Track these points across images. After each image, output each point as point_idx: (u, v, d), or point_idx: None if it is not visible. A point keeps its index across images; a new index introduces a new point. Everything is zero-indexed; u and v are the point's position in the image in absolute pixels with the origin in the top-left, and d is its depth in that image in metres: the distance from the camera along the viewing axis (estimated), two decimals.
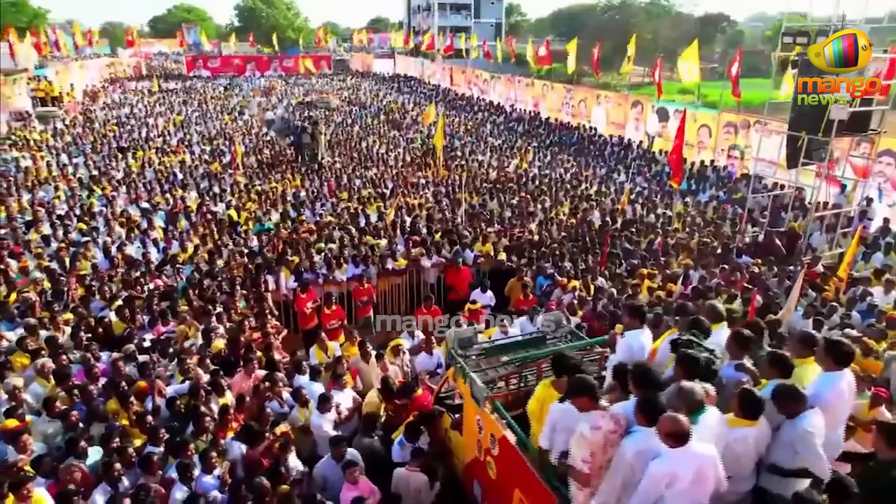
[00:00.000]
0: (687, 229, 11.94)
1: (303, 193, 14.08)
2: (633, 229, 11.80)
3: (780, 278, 9.43)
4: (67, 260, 9.67)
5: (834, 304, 8.61)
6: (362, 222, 12.04)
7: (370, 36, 57.78)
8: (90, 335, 7.36)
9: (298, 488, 5.17)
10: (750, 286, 9.11)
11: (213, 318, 7.77)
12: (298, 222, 11.74)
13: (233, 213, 12.37)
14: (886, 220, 11.99)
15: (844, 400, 3.56)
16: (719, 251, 10.52)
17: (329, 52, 54.25)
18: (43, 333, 7.28)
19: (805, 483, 3.36)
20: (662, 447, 3.02)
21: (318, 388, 6.52)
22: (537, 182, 15.50)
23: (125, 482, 5.11)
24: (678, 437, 2.97)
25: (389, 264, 10.26)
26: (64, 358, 6.76)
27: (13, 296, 8.35)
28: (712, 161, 17.45)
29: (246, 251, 10.29)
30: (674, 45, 40.45)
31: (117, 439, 5.42)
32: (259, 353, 7.14)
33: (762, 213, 12.24)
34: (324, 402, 5.96)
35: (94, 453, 5.42)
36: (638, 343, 3.93)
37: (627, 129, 22.13)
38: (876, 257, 10.60)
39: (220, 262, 9.66)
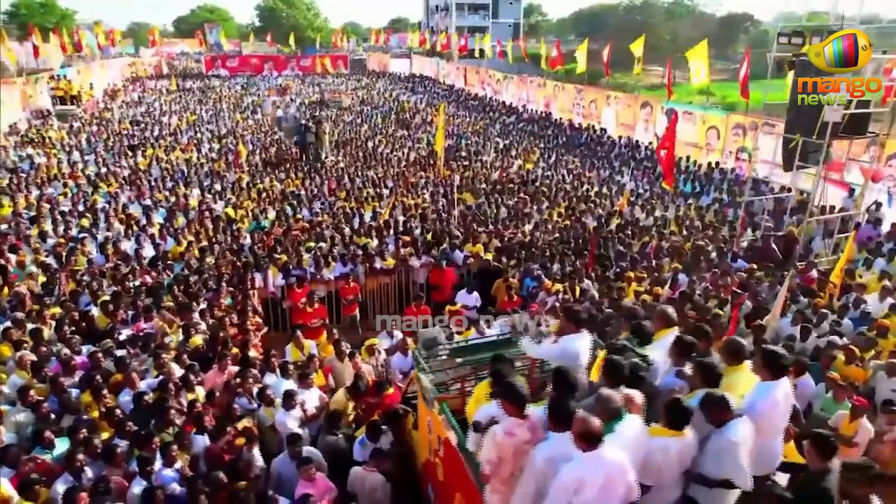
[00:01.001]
0: (684, 232, 11.77)
1: (302, 192, 14.19)
2: (629, 232, 11.67)
3: (772, 283, 9.23)
4: (64, 255, 9.91)
5: (825, 311, 8.42)
6: (357, 222, 12.08)
7: (387, 36, 57.95)
8: (74, 329, 7.52)
9: (256, 485, 5.23)
10: (739, 291, 8.96)
11: (195, 315, 7.88)
12: (294, 221, 11.84)
13: (230, 210, 12.53)
14: (894, 226, 11.68)
15: (780, 410, 3.48)
16: (712, 255, 10.35)
17: (346, 51, 54.56)
18: (29, 326, 7.47)
19: (733, 494, 3.30)
20: (575, 453, 2.98)
21: (287, 385, 6.56)
22: (538, 183, 15.41)
23: (89, 473, 5.22)
24: (589, 439, 2.93)
25: (378, 263, 10.30)
26: (44, 350, 6.94)
27: (6, 290, 8.58)
28: (717, 163, 17.15)
29: (236, 248, 10.41)
30: (694, 45, 39.89)
31: (84, 431, 5.54)
32: (235, 350, 7.24)
33: (765, 216, 12.00)
34: (288, 399, 6.00)
35: (62, 444, 5.55)
36: (573, 347, 3.88)
37: (637, 130, 21.88)
38: (878, 263, 10.33)
39: (209, 259, 9.78)
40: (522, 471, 3.16)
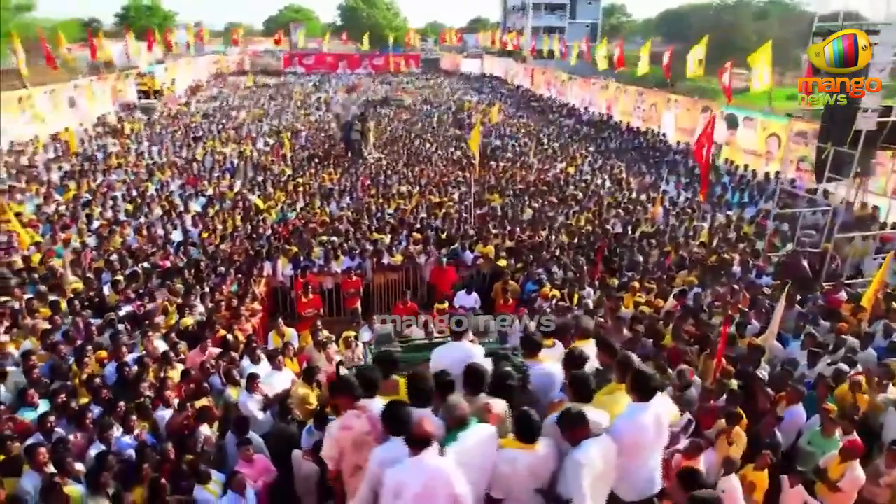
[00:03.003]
0: (714, 244, 11.13)
1: (335, 187, 14.63)
2: (653, 241, 11.19)
3: (790, 302, 8.55)
4: (103, 236, 10.79)
5: (844, 336, 7.72)
6: (376, 218, 12.32)
7: (459, 36, 58.28)
8: (87, 303, 8.20)
9: (201, 459, 5.52)
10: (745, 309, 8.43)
11: (196, 297, 8.37)
12: (313, 213, 12.25)
13: (259, 201, 13.13)
14: None
15: (649, 434, 3.27)
16: (735, 269, 9.75)
17: (419, 51, 55.39)
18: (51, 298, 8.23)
19: None
20: (404, 457, 2.96)
21: (255, 369, 6.82)
22: (573, 186, 15.07)
23: (60, 432, 5.70)
24: (413, 443, 2.91)
25: (385, 259, 10.47)
26: (57, 320, 7.62)
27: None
28: (777, 173, 16.02)
29: (255, 237, 10.91)
30: (786, 46, 37.30)
31: (63, 395, 6.05)
32: (223, 332, 7.64)
33: (803, 231, 11.16)
34: (250, 382, 6.27)
35: (45, 405, 6.09)
36: (447, 358, 3.80)
37: (696, 135, 20.80)
38: None
39: (224, 246, 10.32)
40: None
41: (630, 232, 11.66)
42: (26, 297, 8.20)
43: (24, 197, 13.26)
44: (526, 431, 3.15)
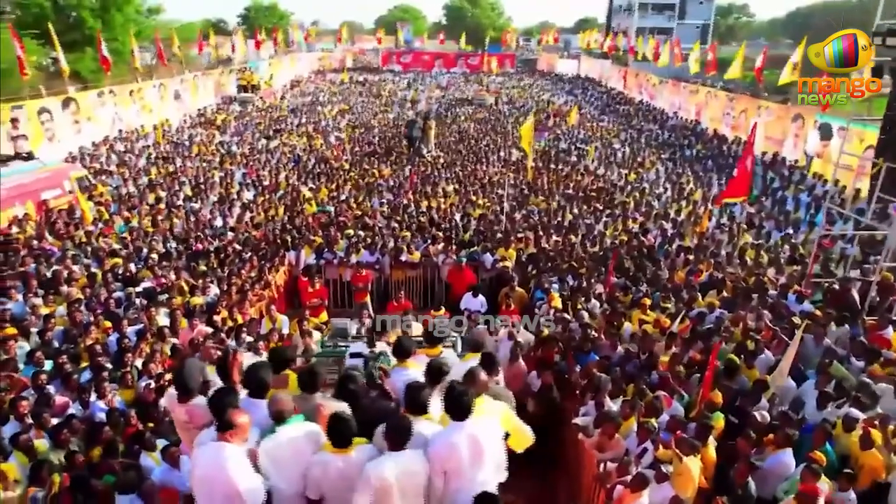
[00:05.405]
0: (759, 264, 10.17)
1: (382, 183, 14.99)
2: (690, 256, 10.44)
3: (818, 335, 7.64)
4: (159, 218, 11.82)
5: (868, 381, 6.76)
6: (408, 216, 12.47)
7: (556, 36, 57.05)
8: (120, 277, 9.05)
9: (163, 429, 5.96)
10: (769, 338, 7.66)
11: (212, 280, 8.98)
12: (349, 207, 12.64)
13: (307, 192, 13.74)
14: None
15: (459, 454, 3.09)
16: (769, 293, 8.87)
17: (513, 50, 54.99)
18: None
19: None
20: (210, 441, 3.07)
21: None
22: (625, 194, 14.37)
23: (50, 390, 6.38)
24: (220, 428, 3.03)
25: (404, 256, 10.60)
26: (88, 291, 8.50)
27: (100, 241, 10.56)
28: (858, 190, 14.29)
29: (290, 228, 11.45)
30: None
31: (64, 358, 6.76)
32: (224, 314, 8.14)
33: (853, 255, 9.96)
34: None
35: (48, 365, 6.83)
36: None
37: (785, 145, 19.06)
38: None
39: (256, 234, 10.94)
40: None
41: (668, 245, 10.94)
42: (74, 267, 9.23)
43: (111, 179, 14.84)
44: (338, 437, 3.12)
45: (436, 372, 3.59)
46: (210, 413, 3.22)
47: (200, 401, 3.37)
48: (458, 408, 3.13)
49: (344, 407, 3.36)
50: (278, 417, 3.18)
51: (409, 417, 3.19)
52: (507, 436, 3.47)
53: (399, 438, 3.08)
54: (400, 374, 3.85)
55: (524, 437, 3.59)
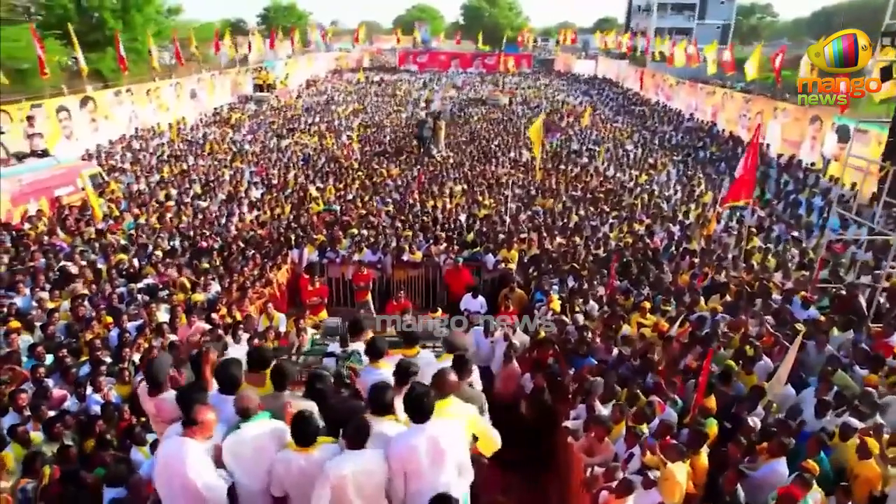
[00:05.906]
0: (772, 268, 10.02)
1: (389, 182, 15.03)
2: (695, 259, 10.31)
3: (820, 341, 7.49)
4: (167, 216, 11.99)
5: (871, 390, 6.61)
6: (412, 215, 12.49)
7: (573, 37, 56.64)
8: (124, 273, 9.20)
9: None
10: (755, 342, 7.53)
11: (214, 277, 9.08)
12: (354, 206, 12.70)
13: (314, 191, 13.83)
14: None
15: (417, 456, 3.10)
16: (773, 298, 8.73)
17: (530, 50, 54.73)
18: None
19: None
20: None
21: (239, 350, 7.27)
22: (633, 196, 14.23)
23: (49, 383, 6.52)
24: (185, 424, 3.07)
25: (405, 256, 10.61)
26: (94, 286, 8.66)
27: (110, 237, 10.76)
28: (873, 194, 13.94)
29: (295, 226, 11.53)
30: None
31: (64, 352, 6.89)
32: (223, 311, 8.23)
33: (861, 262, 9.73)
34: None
35: (49, 358, 6.98)
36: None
37: (802, 148, 18.72)
38: None
39: (262, 232, 11.05)
40: None
41: (673, 248, 10.81)
42: (82, 263, 9.40)
43: (124, 177, 15.10)
44: (301, 436, 3.14)
45: (403, 372, 3.59)
46: (178, 408, 3.26)
47: (169, 395, 3.42)
48: (419, 409, 3.13)
49: (311, 406, 3.38)
50: (243, 414, 3.21)
51: (367, 418, 3.20)
52: (475, 439, 3.46)
53: (357, 437, 3.09)
54: (371, 373, 3.86)
55: (491, 441, 3.57)
